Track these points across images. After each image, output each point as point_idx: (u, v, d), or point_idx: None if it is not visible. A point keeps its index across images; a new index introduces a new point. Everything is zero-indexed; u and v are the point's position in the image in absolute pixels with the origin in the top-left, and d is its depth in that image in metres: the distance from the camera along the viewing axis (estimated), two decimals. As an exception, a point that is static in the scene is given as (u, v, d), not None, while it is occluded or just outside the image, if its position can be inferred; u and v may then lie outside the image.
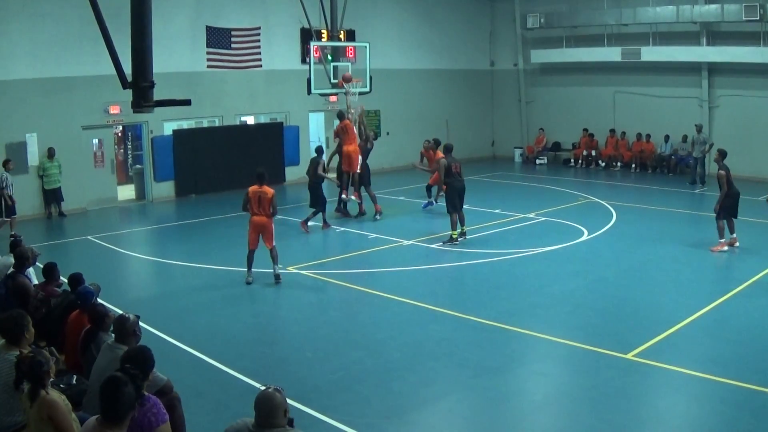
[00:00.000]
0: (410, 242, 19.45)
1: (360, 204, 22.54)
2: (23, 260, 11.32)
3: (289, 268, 17.01)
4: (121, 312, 8.49)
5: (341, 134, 22.05)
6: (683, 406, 10.01)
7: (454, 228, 19.30)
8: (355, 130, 22.24)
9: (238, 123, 29.64)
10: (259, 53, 28.90)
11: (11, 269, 11.47)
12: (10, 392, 6.78)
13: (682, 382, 10.59)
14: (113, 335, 8.12)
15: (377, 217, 22.14)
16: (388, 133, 33.31)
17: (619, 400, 9.89)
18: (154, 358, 6.99)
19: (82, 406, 7.55)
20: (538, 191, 26.03)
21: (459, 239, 19.31)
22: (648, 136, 32.56)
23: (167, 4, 24.61)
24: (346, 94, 23.22)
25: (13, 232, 21.08)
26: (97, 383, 6.72)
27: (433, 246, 19.03)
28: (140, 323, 8.16)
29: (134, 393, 5.85)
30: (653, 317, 13.25)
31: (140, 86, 9.84)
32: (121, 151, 30.74)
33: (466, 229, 19.73)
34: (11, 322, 7.46)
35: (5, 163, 21.55)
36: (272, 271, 15.95)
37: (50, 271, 10.97)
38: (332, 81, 24.50)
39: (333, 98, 30.31)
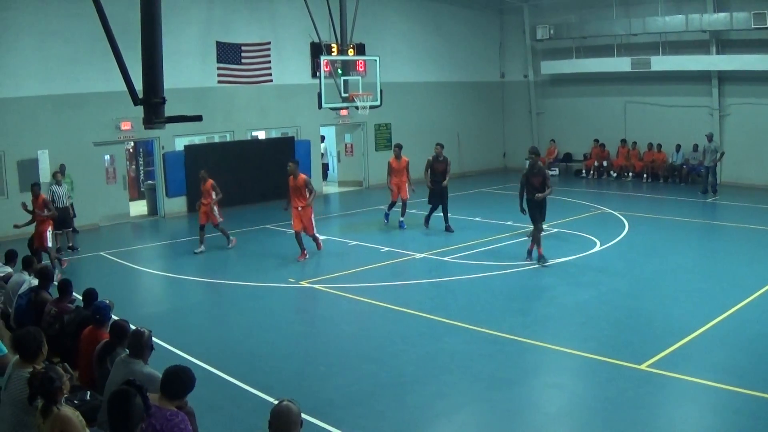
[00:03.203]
0: (423, 255, 19.42)
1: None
2: (49, 278, 11.43)
3: (303, 283, 17.03)
4: (134, 327, 8.52)
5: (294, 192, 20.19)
6: (698, 416, 9.95)
7: None
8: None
9: (249, 138, 29.70)
10: (270, 68, 29.01)
11: (26, 285, 11.58)
12: (25, 408, 6.78)
13: (696, 392, 10.54)
14: (127, 350, 8.15)
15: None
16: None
17: (634, 411, 9.83)
18: (195, 379, 7.02)
19: (97, 422, 7.55)
20: (550, 202, 25.79)
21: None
22: (659, 145, 32.51)
23: (177, 20, 24.72)
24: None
25: (70, 244, 21.25)
26: (110, 398, 6.76)
27: (445, 259, 19.01)
28: (153, 338, 8.19)
29: (142, 405, 5.88)
30: (667, 327, 13.19)
31: (151, 102, 9.86)
32: (133, 167, 30.84)
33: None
34: (30, 338, 7.46)
35: (54, 175, 21.73)
36: (282, 284, 15.94)
37: (65, 288, 11.00)
38: (343, 95, 24.51)
39: (344, 112, 30.42)
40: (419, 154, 32.52)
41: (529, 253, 18.56)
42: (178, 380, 6.77)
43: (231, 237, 21.25)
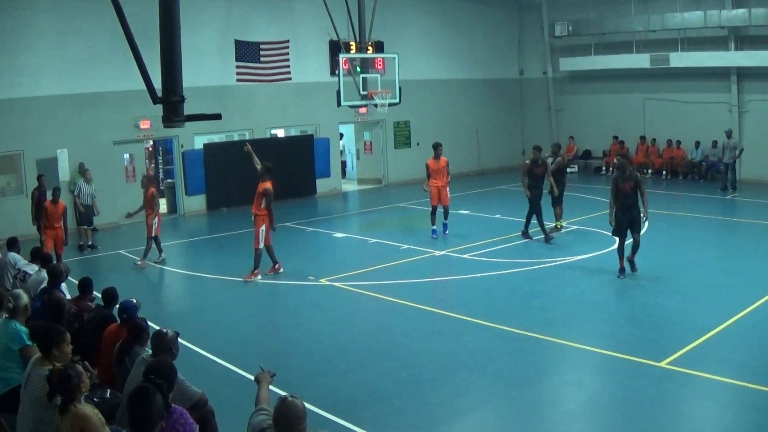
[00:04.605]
0: (442, 253, 19.42)
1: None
2: (57, 276, 11.45)
3: (322, 280, 17.06)
4: (157, 327, 8.54)
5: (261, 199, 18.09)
6: (717, 413, 9.90)
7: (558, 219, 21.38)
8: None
9: (268, 136, 29.74)
10: (289, 66, 29.08)
11: (45, 284, 11.62)
12: (45, 406, 6.81)
13: (716, 390, 10.50)
14: (149, 350, 8.17)
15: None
16: (418, 144, 33.29)
17: (653, 408, 9.80)
18: (176, 369, 7.00)
19: (116, 420, 7.59)
20: (569, 200, 25.87)
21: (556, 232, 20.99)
22: (678, 142, 32.37)
23: (196, 18, 24.81)
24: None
25: (90, 243, 21.40)
26: (130, 396, 6.75)
27: (465, 256, 18.99)
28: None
29: (162, 402, 5.90)
30: (686, 325, 13.14)
31: (170, 101, 9.91)
32: (152, 165, 30.94)
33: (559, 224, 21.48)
34: (43, 329, 7.54)
35: (84, 172, 21.91)
36: (302, 282, 15.97)
37: (85, 287, 11.06)
38: (362, 93, 24.49)
39: (363, 110, 30.44)
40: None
41: (631, 264, 16.81)
42: (164, 373, 6.68)
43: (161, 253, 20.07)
